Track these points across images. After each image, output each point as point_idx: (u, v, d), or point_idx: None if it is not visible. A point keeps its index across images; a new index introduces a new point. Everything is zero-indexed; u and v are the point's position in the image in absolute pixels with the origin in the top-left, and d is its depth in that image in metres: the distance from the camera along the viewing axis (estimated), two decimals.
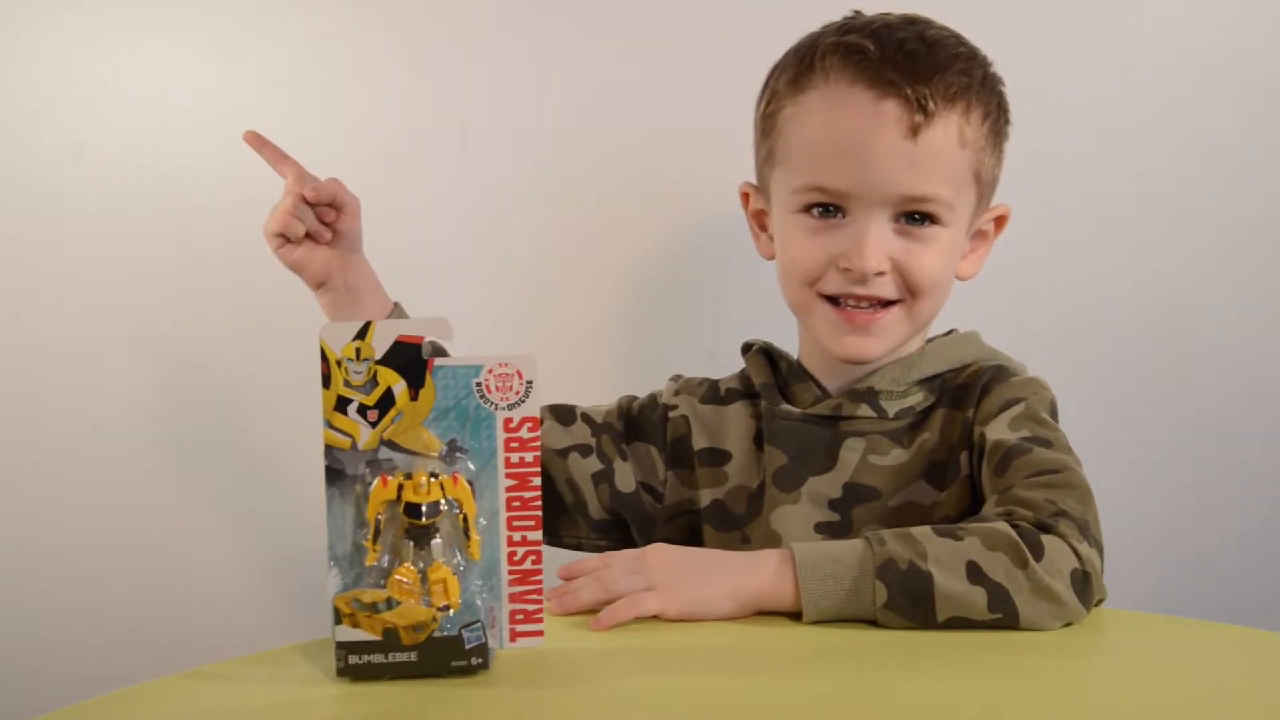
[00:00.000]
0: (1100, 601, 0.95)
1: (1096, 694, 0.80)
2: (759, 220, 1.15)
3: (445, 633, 0.82)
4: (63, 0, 1.36)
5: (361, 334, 0.85)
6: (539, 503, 0.88)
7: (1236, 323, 1.45)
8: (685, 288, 1.39)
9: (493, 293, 1.40)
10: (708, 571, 0.95)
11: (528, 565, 0.88)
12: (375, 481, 0.85)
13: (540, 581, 0.88)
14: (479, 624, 0.83)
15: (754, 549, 0.98)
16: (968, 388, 1.09)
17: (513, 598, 0.88)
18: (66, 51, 1.37)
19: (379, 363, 0.86)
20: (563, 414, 1.16)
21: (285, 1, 1.39)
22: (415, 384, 0.86)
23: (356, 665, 0.82)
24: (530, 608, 0.88)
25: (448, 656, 0.82)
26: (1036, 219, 1.42)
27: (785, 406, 1.11)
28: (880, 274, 1.06)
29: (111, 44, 1.38)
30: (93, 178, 1.37)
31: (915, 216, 1.06)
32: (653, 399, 1.18)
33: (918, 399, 1.10)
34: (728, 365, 1.21)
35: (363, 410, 0.86)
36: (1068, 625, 0.92)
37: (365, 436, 0.86)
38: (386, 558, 0.86)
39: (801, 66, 1.08)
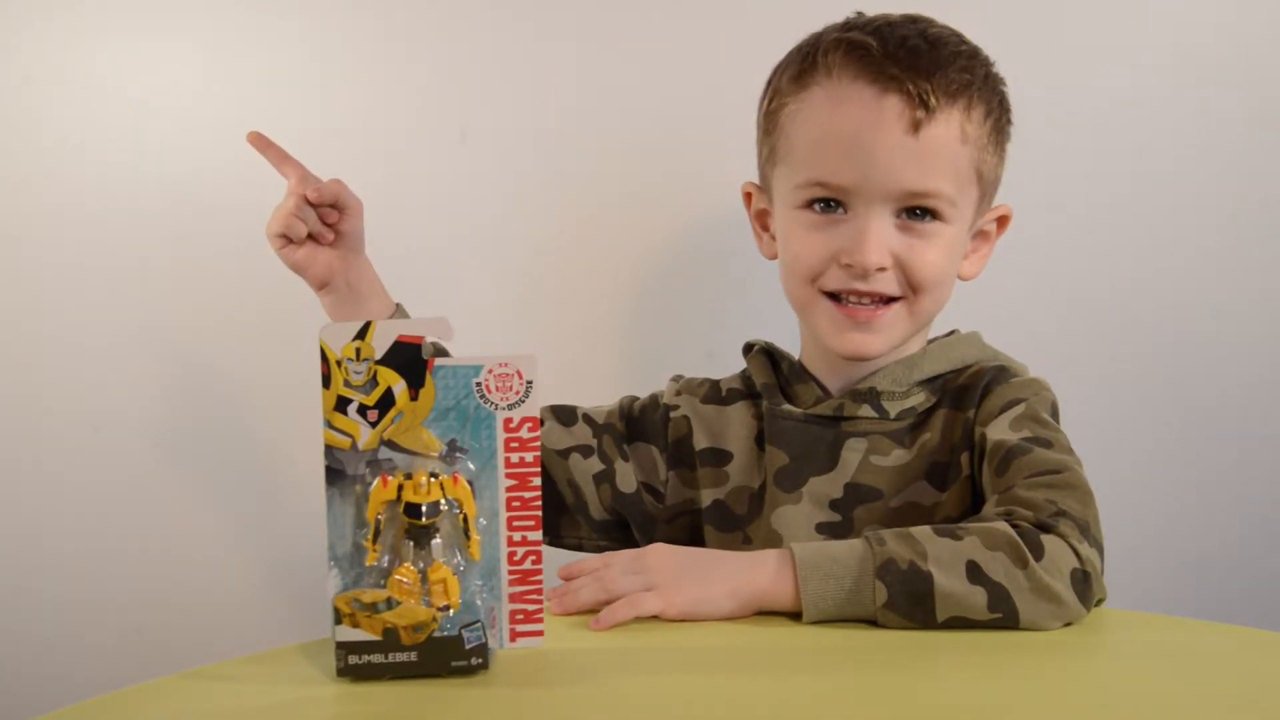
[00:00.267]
0: (1100, 601, 0.95)
1: (1096, 694, 0.80)
2: (761, 220, 1.15)
3: (445, 633, 0.82)
4: (63, 0, 1.36)
5: (361, 334, 0.85)
6: (539, 503, 0.88)
7: (1237, 323, 1.45)
8: (685, 288, 1.39)
9: (493, 293, 1.40)
10: (707, 571, 0.95)
11: (528, 565, 0.88)
12: (375, 482, 0.85)
13: (540, 581, 0.88)
14: (479, 624, 0.83)
15: (755, 549, 0.98)
16: (969, 388, 1.09)
17: (513, 598, 0.88)
18: (66, 51, 1.37)
19: (379, 363, 0.86)
20: (563, 414, 1.16)
21: (285, 1, 1.39)
22: (415, 384, 0.86)
23: (356, 665, 0.82)
24: (530, 608, 0.88)
25: (448, 656, 0.82)
26: (1037, 219, 1.42)
27: (787, 406, 1.11)
28: (882, 270, 1.06)
29: (111, 44, 1.38)
30: (93, 178, 1.37)
31: (917, 212, 1.06)
32: (654, 399, 1.18)
33: (919, 399, 1.10)
34: (728, 365, 1.21)
35: (363, 410, 0.86)
36: (1067, 625, 0.92)
37: (365, 436, 0.86)
38: (386, 558, 0.86)
39: (804, 64, 1.09)
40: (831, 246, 1.07)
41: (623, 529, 1.16)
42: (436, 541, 0.86)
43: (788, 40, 1.12)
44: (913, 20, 1.09)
